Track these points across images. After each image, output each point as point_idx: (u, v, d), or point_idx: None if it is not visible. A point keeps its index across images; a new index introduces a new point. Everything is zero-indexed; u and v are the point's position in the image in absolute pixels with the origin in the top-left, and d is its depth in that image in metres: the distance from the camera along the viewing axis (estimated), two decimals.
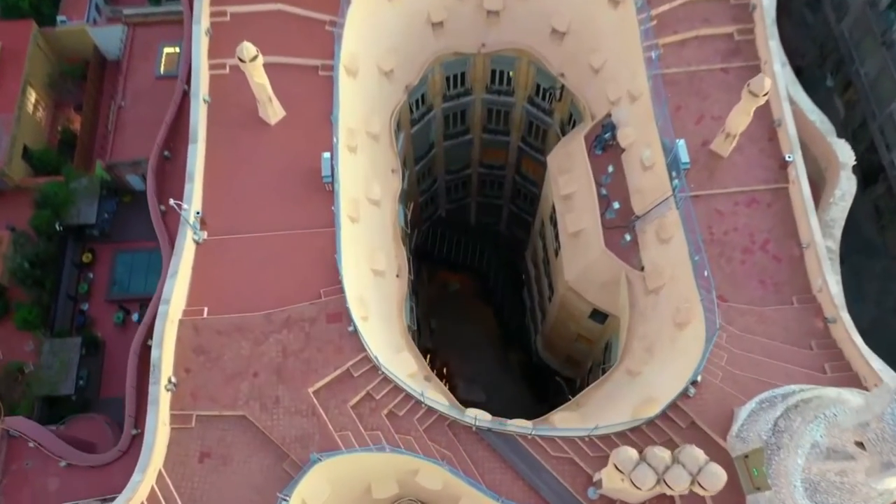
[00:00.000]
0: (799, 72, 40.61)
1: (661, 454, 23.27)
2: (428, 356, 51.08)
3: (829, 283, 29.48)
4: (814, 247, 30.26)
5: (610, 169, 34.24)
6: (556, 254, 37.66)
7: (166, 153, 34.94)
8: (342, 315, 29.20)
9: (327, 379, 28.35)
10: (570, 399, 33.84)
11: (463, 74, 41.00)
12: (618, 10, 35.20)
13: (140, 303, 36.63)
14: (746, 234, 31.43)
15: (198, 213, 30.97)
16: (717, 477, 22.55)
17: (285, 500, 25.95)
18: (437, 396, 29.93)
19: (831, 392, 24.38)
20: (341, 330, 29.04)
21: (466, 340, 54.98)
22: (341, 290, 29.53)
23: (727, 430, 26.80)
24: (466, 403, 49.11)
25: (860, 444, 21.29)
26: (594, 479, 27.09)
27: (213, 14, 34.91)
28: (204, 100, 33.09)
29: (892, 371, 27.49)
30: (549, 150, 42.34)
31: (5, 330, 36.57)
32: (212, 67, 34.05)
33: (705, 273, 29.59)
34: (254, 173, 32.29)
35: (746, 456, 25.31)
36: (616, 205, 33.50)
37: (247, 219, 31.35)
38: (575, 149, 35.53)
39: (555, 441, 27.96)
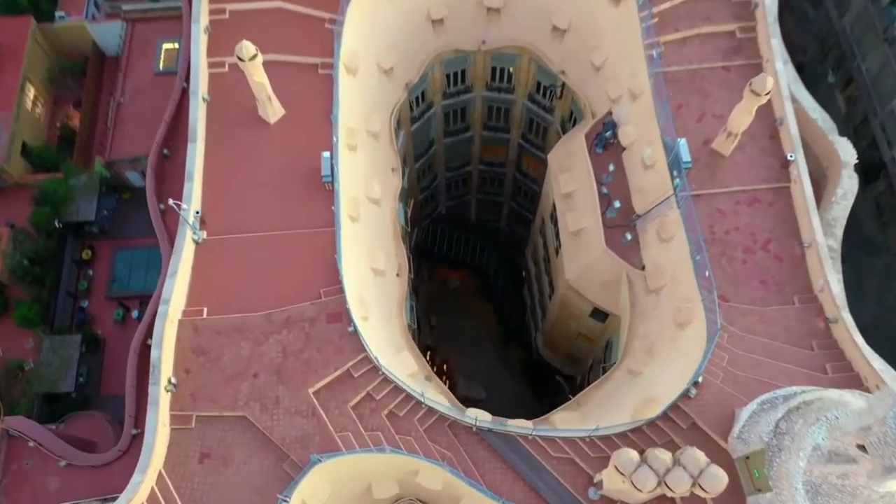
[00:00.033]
0: (800, 68, 40.44)
1: (662, 456, 23.27)
2: (428, 353, 51.21)
3: (831, 282, 29.39)
4: (815, 246, 30.16)
5: (611, 167, 34.11)
6: (557, 252, 37.57)
7: (165, 151, 34.82)
8: (342, 315, 29.12)
9: (327, 379, 28.29)
10: (570, 398, 33.82)
11: (463, 72, 40.81)
12: (619, 7, 35.02)
13: (140, 300, 36.56)
14: (748, 234, 31.32)
15: (197, 212, 30.85)
16: (718, 479, 22.56)
17: (285, 500, 25.97)
18: (437, 396, 29.87)
19: (833, 394, 24.33)
20: (341, 330, 28.96)
21: (467, 337, 54.95)
22: (341, 290, 29.45)
23: (728, 431, 26.74)
24: (466, 400, 49.19)
25: (862, 448, 21.24)
26: (595, 480, 27.07)
27: (212, 12, 34.74)
28: (203, 98, 32.93)
29: (893, 371, 27.40)
30: (550, 147, 42.21)
31: (5, 327, 36.48)
32: (211, 66, 33.90)
33: (706, 273, 29.47)
34: (253, 172, 32.16)
35: (747, 457, 25.26)
36: (617, 203, 33.38)
37: (246, 218, 31.24)
38: (576, 147, 35.38)
39: (555, 441, 27.91)
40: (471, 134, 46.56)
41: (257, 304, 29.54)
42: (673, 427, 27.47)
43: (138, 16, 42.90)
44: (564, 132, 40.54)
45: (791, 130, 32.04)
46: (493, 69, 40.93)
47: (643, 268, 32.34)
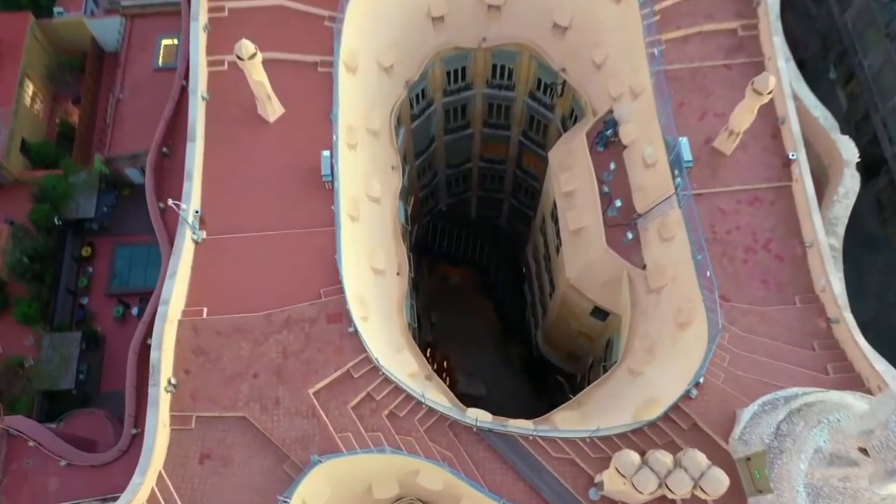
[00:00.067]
0: (802, 64, 40.24)
1: (663, 458, 23.25)
2: (428, 350, 51.24)
3: (833, 282, 29.29)
4: (817, 246, 30.06)
5: (612, 166, 33.97)
6: (557, 251, 37.47)
7: (164, 150, 34.69)
8: (342, 315, 29.06)
9: (328, 380, 28.24)
10: (570, 397, 33.78)
11: (463, 69, 40.64)
12: (620, 5, 34.82)
13: (140, 297, 36.51)
14: (749, 233, 31.22)
15: (197, 211, 30.75)
16: (719, 482, 22.54)
17: (286, 501, 25.96)
18: (437, 396, 29.84)
19: (834, 396, 24.28)
20: (341, 330, 28.90)
21: (467, 334, 54.96)
22: (341, 290, 29.39)
23: (729, 431, 26.70)
24: (467, 397, 49.41)
25: (864, 451, 21.19)
26: (595, 481, 27.04)
27: (211, 9, 34.54)
28: (202, 97, 32.77)
29: (895, 371, 27.35)
30: (550, 144, 42.10)
31: (5, 324, 36.41)
32: (210, 64, 33.74)
33: (708, 273, 29.37)
34: (253, 172, 32.03)
35: (748, 458, 25.22)
36: (618, 202, 33.26)
37: (246, 218, 31.14)
38: (576, 145, 35.25)
39: (556, 442, 27.88)
40: (471, 131, 46.42)
41: (257, 304, 29.46)
42: (674, 428, 27.42)
43: (137, 11, 42.67)
44: (565, 130, 40.41)
45: (793, 129, 31.90)
46: (494, 66, 40.76)
47: (644, 267, 32.24)
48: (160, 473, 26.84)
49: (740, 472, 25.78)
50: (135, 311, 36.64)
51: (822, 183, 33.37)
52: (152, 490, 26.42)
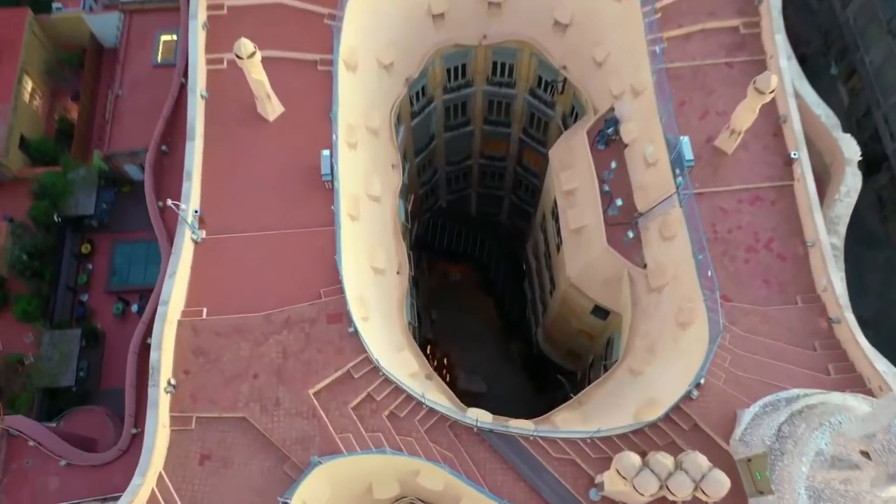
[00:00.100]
0: (803, 59, 40.09)
1: (664, 460, 23.25)
2: (428, 347, 51.22)
3: (834, 282, 29.20)
4: (819, 245, 29.97)
5: (613, 165, 33.83)
6: (558, 249, 37.36)
7: (164, 148, 34.54)
8: (342, 316, 28.98)
9: (328, 380, 28.19)
10: (570, 395, 33.75)
11: (464, 66, 40.47)
12: (621, 2, 34.61)
13: (140, 294, 36.40)
14: (750, 233, 31.12)
15: (196, 211, 30.64)
16: (720, 484, 22.55)
17: (286, 503, 25.88)
18: (438, 396, 29.79)
19: (836, 398, 24.23)
20: (342, 331, 28.83)
21: (467, 331, 54.93)
22: (341, 290, 29.31)
23: (730, 432, 26.65)
24: (467, 394, 49.56)
25: (865, 454, 21.15)
26: (596, 481, 27.01)
27: (209, 7, 34.36)
28: (201, 95, 32.63)
29: None
30: (551, 141, 41.99)
31: (5, 322, 36.26)
32: (209, 62, 33.58)
33: (709, 273, 29.26)
34: (253, 171, 31.91)
35: (749, 459, 25.15)
36: (619, 201, 33.13)
37: (246, 217, 31.03)
38: (577, 143, 35.11)
39: (556, 442, 27.83)
40: (471, 128, 46.28)
41: (257, 304, 29.38)
42: (675, 428, 27.37)
43: (136, 7, 42.33)
44: (566, 127, 40.28)
45: (795, 128, 31.77)
46: (494, 64, 40.59)
47: (645, 266, 32.15)
48: (160, 474, 26.81)
49: (741, 473, 25.68)
50: (135, 307, 36.57)
51: (824, 181, 33.26)
52: (152, 491, 26.39)
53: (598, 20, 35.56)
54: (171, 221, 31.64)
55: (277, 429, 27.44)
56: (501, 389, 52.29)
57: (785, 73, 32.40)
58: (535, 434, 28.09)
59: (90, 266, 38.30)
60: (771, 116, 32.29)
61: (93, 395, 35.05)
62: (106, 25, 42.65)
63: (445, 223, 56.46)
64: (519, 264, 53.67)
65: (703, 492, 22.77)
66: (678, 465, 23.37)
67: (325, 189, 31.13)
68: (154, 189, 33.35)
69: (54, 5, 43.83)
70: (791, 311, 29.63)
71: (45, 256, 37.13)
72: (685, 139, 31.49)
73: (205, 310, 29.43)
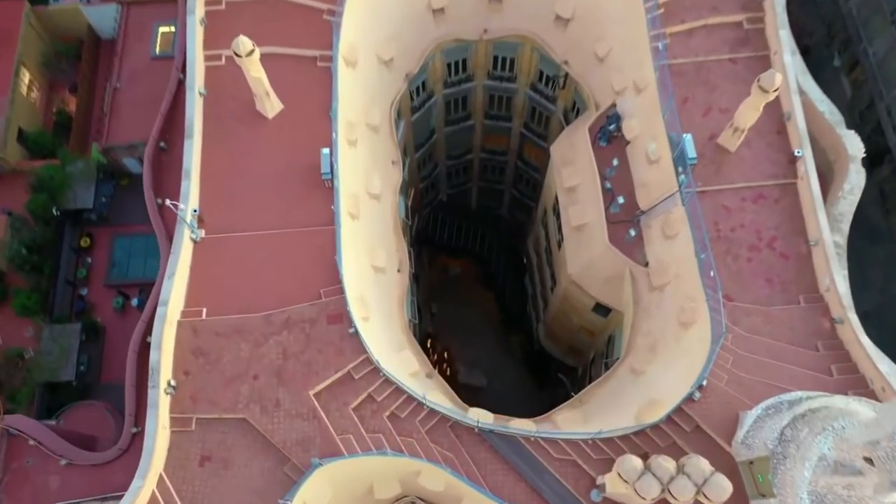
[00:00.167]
0: (806, 50, 39.77)
1: (665, 464, 23.22)
2: (429, 341, 51.15)
3: (837, 282, 29.02)
4: (822, 245, 29.76)
5: (615, 162, 33.57)
6: (559, 245, 37.15)
7: (162, 144, 34.27)
8: (343, 316, 28.84)
9: (328, 381, 28.07)
10: (572, 393, 33.66)
11: (464, 61, 40.15)
12: None
13: (139, 287, 36.31)
14: (753, 231, 30.91)
15: (195, 210, 30.42)
16: (722, 489, 22.55)
17: None
18: (439, 396, 29.70)
19: (839, 402, 24.11)
20: (342, 331, 28.69)
21: (468, 325, 54.90)
22: (342, 291, 29.15)
23: (732, 434, 26.56)
24: (467, 388, 49.52)
25: (869, 460, 21.05)
26: (597, 482, 26.94)
27: (207, 2, 33.99)
28: (199, 93, 32.34)
29: None
30: (552, 136, 41.75)
31: (4, 316, 36.13)
32: (207, 59, 33.25)
33: (711, 272, 29.09)
34: (252, 169, 31.67)
35: (751, 462, 25.09)
36: (621, 199, 32.87)
37: (245, 217, 30.83)
38: (579, 140, 34.85)
39: (558, 443, 27.74)
40: (472, 122, 46.01)
41: (257, 304, 29.23)
42: (676, 430, 27.26)
43: None
44: (567, 122, 40.01)
45: (799, 125, 31.48)
46: (495, 58, 40.27)
47: (647, 264, 31.98)
48: (161, 476, 26.73)
49: (743, 475, 25.64)
50: (134, 301, 36.47)
51: (827, 178, 33.03)
52: (153, 493, 26.32)
53: (600, 15, 35.19)
54: (170, 218, 31.42)
55: (278, 430, 27.34)
56: (502, 383, 52.35)
57: (789, 70, 32.07)
58: (536, 435, 28.00)
59: (89, 260, 38.17)
60: (774, 114, 32.00)
61: (93, 390, 34.98)
62: (103, 17, 42.29)
63: (446, 217, 56.22)
64: (519, 259, 53.52)
65: (704, 496, 22.76)
66: (680, 469, 23.36)
67: (325, 188, 30.90)
68: (153, 186, 33.09)
69: None
70: (793, 311, 29.46)
71: (44, 250, 36.99)
72: (688, 137, 31.18)
73: (204, 310, 29.28)
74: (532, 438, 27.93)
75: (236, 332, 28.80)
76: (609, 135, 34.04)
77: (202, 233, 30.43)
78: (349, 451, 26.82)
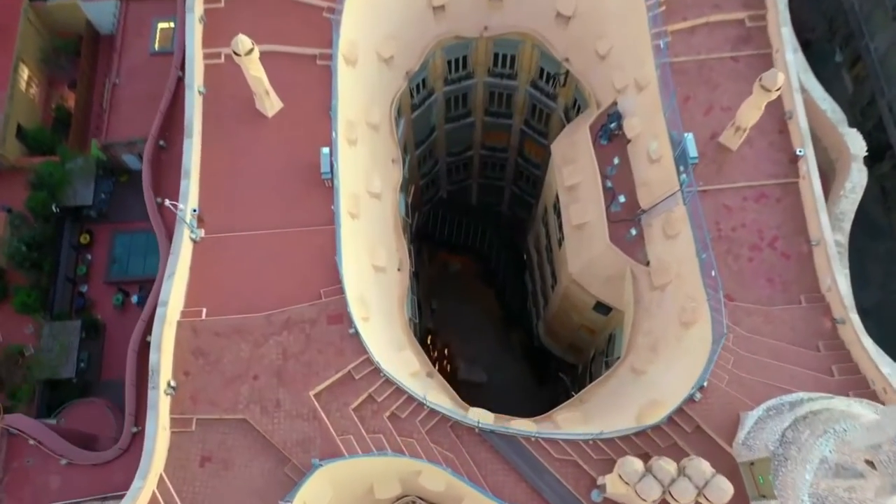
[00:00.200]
0: (807, 45, 39.56)
1: (667, 466, 23.19)
2: (429, 337, 51.12)
3: (839, 281, 28.94)
4: (823, 244, 29.67)
5: (616, 161, 33.43)
6: (560, 243, 37.05)
7: (161, 143, 34.13)
8: (343, 316, 28.76)
9: (328, 382, 28.01)
10: (572, 393, 33.61)
11: (465, 58, 39.98)
12: None
13: (139, 284, 36.34)
14: (755, 231, 30.81)
15: (195, 210, 30.30)
16: (723, 491, 22.52)
17: None
18: (439, 395, 29.66)
19: (840, 404, 24.07)
20: (342, 332, 28.62)
21: (468, 321, 54.89)
22: (342, 291, 29.07)
23: (733, 434, 26.52)
24: (468, 384, 49.50)
25: (870, 463, 21.02)
26: (598, 483, 26.93)
27: (206, 0, 33.73)
28: (199, 91, 32.17)
29: None
30: (553, 133, 41.62)
31: (4, 313, 36.15)
32: (206, 57, 33.07)
33: (712, 273, 29.01)
34: (251, 169, 31.54)
35: (752, 463, 25.08)
36: (622, 198, 32.76)
37: (245, 216, 30.72)
38: (580, 138, 34.71)
39: (558, 443, 27.72)
40: (472, 119, 45.87)
41: (257, 304, 29.15)
42: (677, 430, 27.23)
43: None
44: (568, 120, 39.87)
45: (801, 124, 31.34)
46: (496, 55, 40.10)
47: (648, 264, 31.89)
48: (161, 476, 26.70)
49: (744, 476, 25.63)
50: (135, 298, 36.47)
51: (829, 177, 32.93)
52: (153, 494, 26.29)
53: (601, 12, 34.99)
54: (169, 218, 31.33)
55: (278, 430, 27.30)
56: (502, 379, 52.38)
57: (791, 68, 31.90)
58: (536, 435, 27.97)
59: (89, 257, 38.18)
60: (776, 112, 31.85)
61: (93, 387, 35.03)
62: (102, 12, 42.11)
63: (446, 214, 56.15)
64: (520, 255, 53.43)
65: (705, 498, 22.72)
66: (681, 471, 23.34)
67: (325, 187, 30.78)
68: (152, 185, 32.97)
69: None
70: (795, 311, 29.39)
71: (44, 247, 36.96)
72: (689, 136, 31.02)
73: (204, 310, 29.20)
74: (533, 439, 27.91)
75: (236, 333, 28.73)
76: (610, 133, 33.91)
77: (202, 232, 30.32)
78: (350, 452, 26.78)
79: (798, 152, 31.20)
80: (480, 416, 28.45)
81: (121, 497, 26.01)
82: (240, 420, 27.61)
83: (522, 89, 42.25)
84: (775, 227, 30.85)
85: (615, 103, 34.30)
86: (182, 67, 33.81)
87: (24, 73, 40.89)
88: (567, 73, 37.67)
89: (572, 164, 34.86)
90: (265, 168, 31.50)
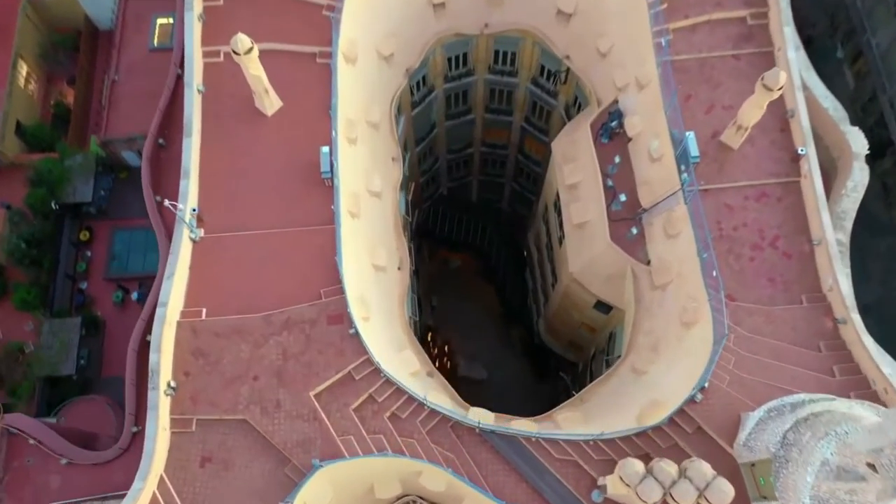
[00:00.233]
0: (808, 41, 39.38)
1: (667, 468, 23.16)
2: (429, 334, 51.08)
3: (840, 281, 28.86)
4: (825, 244, 29.56)
5: (616, 159, 33.31)
6: (560, 242, 36.97)
7: (160, 141, 34.01)
8: (343, 317, 28.67)
9: (329, 382, 27.95)
10: (573, 392, 33.57)
11: (465, 55, 39.81)
12: None
13: (139, 281, 36.39)
14: (756, 230, 30.70)
15: (194, 209, 30.20)
16: (724, 493, 22.49)
17: None
18: (440, 395, 29.60)
19: (842, 406, 24.02)
20: (342, 332, 28.54)
21: (468, 318, 54.85)
22: (342, 291, 28.97)
23: (734, 435, 26.48)
24: (468, 381, 49.49)
25: (872, 466, 20.99)
26: (598, 483, 26.91)
27: None
28: (198, 90, 32.01)
29: None
30: (553, 130, 41.52)
31: (4, 311, 36.20)
32: (205, 55, 32.89)
33: (713, 272, 28.93)
34: (251, 168, 31.38)
35: (753, 464, 25.06)
36: (623, 197, 32.65)
37: (244, 216, 30.59)
38: (580, 137, 34.58)
39: (559, 444, 27.67)
40: (473, 116, 45.74)
41: (257, 304, 29.06)
42: (678, 431, 27.19)
43: None
44: (569, 117, 39.74)
45: (802, 123, 31.20)
46: (496, 52, 39.94)
47: (648, 263, 31.82)
48: (161, 477, 26.66)
49: (745, 477, 25.63)
50: (134, 295, 36.54)
51: (830, 175, 32.80)
52: (154, 494, 26.27)
53: (602, 10, 34.81)
54: (169, 217, 31.18)
55: (278, 431, 27.26)
56: (502, 376, 52.35)
57: (793, 66, 31.73)
58: (537, 435, 27.93)
59: (89, 253, 38.26)
60: (778, 111, 31.69)
61: (94, 384, 35.14)
62: (101, 8, 42.03)
63: (446, 211, 56.07)
64: (520, 252, 53.36)
65: (706, 500, 22.68)
66: (682, 473, 23.29)
67: (325, 186, 30.65)
68: (151, 183, 32.84)
69: None
70: (796, 310, 29.30)
71: (44, 244, 37.00)
72: (691, 135, 30.88)
73: (204, 310, 29.10)
74: (533, 439, 27.87)
75: (236, 333, 28.66)
76: (611, 132, 33.78)
77: (201, 232, 30.21)
78: (350, 453, 26.75)
79: (800, 151, 31.07)
80: (481, 417, 28.40)
81: (121, 497, 26.01)
82: (240, 421, 27.55)
83: (523, 86, 42.11)
84: (777, 227, 30.74)
85: (616, 101, 34.16)
86: (181, 65, 33.63)
87: (23, 69, 40.89)
88: (568, 70, 37.53)
89: (573, 163, 34.74)
90: (265, 167, 31.36)
